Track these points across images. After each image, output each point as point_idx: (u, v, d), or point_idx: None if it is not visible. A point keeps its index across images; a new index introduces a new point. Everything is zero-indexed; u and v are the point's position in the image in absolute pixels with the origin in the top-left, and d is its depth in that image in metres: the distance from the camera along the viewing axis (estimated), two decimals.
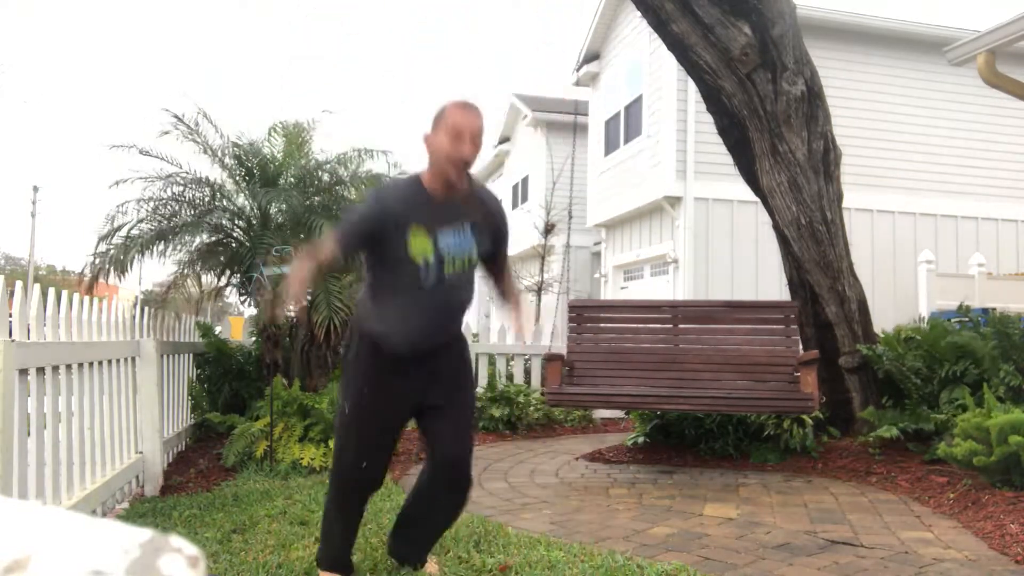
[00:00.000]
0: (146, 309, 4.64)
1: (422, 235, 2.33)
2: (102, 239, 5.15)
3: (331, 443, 4.60)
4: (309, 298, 4.93)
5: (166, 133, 5.39)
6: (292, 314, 5.67)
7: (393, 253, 2.33)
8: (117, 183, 5.23)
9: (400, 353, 2.39)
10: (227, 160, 5.63)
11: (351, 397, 2.46)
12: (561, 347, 6.32)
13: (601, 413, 7.12)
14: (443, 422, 2.47)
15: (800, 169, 5.11)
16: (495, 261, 2.58)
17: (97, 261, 5.00)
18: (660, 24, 5.20)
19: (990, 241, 10.64)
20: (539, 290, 14.59)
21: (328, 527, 2.63)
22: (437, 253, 2.34)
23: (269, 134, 5.82)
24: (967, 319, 4.98)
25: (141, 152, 5.29)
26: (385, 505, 3.58)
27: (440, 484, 2.51)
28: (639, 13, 5.50)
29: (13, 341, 2.59)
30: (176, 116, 5.44)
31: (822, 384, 5.00)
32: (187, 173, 5.41)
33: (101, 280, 5.03)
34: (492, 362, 7.26)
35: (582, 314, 5.23)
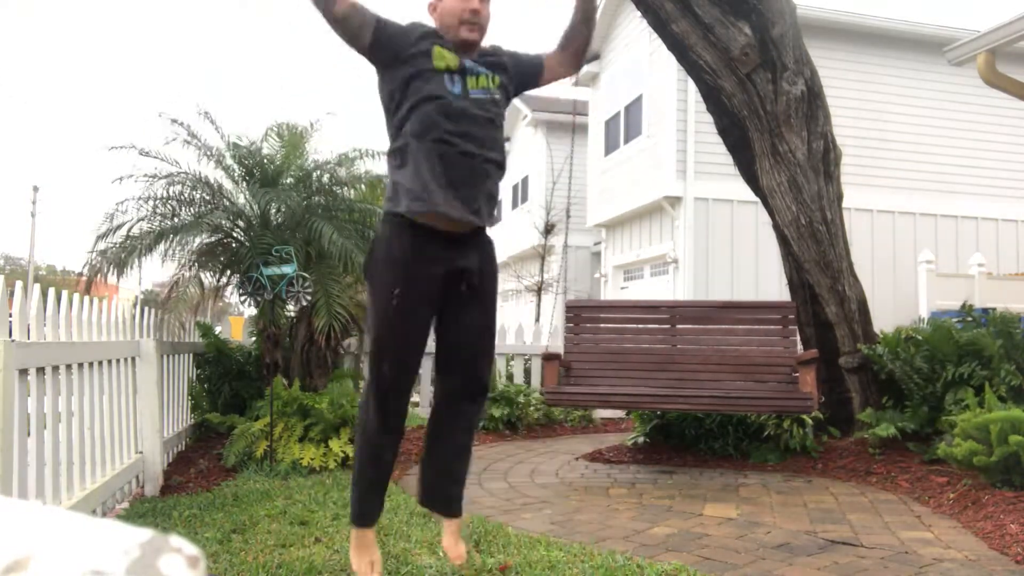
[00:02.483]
0: (146, 309, 4.64)
1: (446, 52, 2.36)
2: (101, 238, 5.14)
3: (331, 443, 4.61)
4: (309, 298, 4.92)
5: (172, 141, 5.40)
6: (292, 313, 5.67)
7: (416, 68, 2.33)
8: (121, 179, 5.23)
9: (439, 209, 2.26)
10: (227, 161, 5.63)
11: (381, 301, 2.35)
12: (559, 347, 6.32)
13: (601, 413, 7.12)
14: (472, 336, 2.48)
15: (800, 169, 5.12)
16: (537, 67, 2.62)
17: (96, 260, 4.99)
18: (660, 24, 5.20)
19: (990, 241, 10.65)
20: (539, 290, 14.61)
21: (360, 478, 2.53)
22: (460, 65, 2.37)
23: (266, 135, 5.82)
24: (970, 318, 4.98)
25: (141, 153, 5.29)
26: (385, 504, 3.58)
27: (464, 396, 2.53)
28: (639, 13, 5.50)
29: (13, 341, 2.59)
30: (174, 120, 5.44)
31: (822, 384, 5.01)
32: (187, 173, 5.41)
33: (101, 280, 5.02)
34: (492, 362, 7.25)
35: (579, 314, 5.23)
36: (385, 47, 2.36)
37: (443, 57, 2.35)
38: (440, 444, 2.59)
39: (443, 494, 2.59)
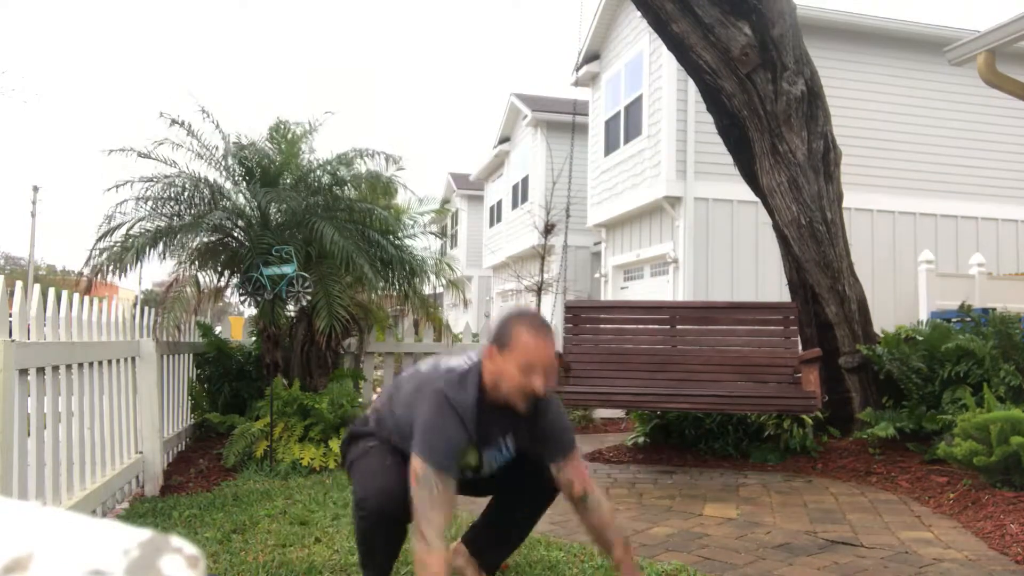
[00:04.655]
0: (146, 309, 4.64)
1: (471, 451, 2.21)
2: (100, 238, 5.14)
3: (331, 443, 4.61)
4: (309, 298, 4.92)
5: (163, 142, 5.38)
6: (292, 313, 5.67)
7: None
8: (116, 187, 5.19)
9: None
10: (227, 160, 5.63)
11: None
12: (559, 347, 6.31)
13: (601, 413, 7.11)
14: None
15: (800, 169, 5.12)
16: (552, 458, 2.28)
17: (95, 260, 4.98)
18: (660, 24, 5.20)
19: (990, 241, 10.65)
20: (539, 290, 14.61)
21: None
22: (479, 462, 2.27)
23: (270, 135, 5.82)
24: (968, 318, 4.98)
25: (140, 155, 5.28)
26: None
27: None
28: (639, 13, 5.50)
29: (13, 341, 2.58)
30: (174, 120, 5.43)
31: (822, 384, 5.00)
32: (187, 173, 5.40)
33: (100, 280, 5.01)
34: None
35: (579, 315, 5.21)
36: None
37: (466, 461, 2.21)
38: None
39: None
